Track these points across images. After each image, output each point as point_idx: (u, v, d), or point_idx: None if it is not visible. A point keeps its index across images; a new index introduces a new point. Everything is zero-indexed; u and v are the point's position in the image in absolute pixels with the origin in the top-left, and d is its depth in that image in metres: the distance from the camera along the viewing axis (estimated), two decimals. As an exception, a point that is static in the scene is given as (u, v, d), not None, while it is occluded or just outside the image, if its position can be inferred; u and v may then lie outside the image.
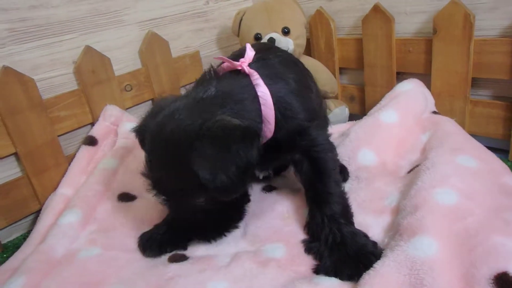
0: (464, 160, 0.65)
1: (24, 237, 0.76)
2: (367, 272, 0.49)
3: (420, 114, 0.84)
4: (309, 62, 0.96)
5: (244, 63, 0.58)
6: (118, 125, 0.89)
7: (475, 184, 0.60)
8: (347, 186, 0.71)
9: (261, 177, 0.72)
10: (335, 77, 1.04)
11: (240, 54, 0.62)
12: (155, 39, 0.96)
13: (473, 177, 0.61)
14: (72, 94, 0.85)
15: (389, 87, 0.93)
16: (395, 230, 0.56)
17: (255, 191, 0.75)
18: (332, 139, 0.68)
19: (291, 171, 0.72)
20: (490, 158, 0.68)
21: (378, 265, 0.49)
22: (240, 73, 0.59)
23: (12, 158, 0.78)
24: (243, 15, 0.99)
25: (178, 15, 1.02)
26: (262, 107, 0.57)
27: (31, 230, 0.73)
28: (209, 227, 0.61)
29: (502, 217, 0.53)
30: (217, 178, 0.48)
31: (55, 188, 0.80)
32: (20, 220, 0.80)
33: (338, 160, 0.70)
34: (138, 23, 0.95)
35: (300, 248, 0.59)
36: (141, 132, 0.59)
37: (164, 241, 0.62)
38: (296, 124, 0.59)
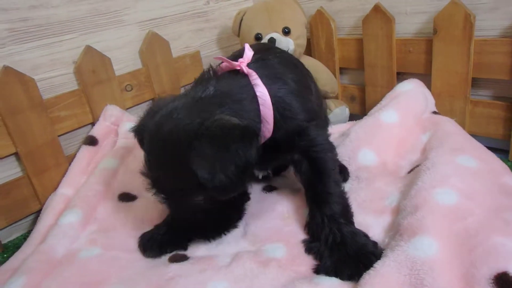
0: (464, 160, 0.65)
1: (25, 237, 0.76)
2: (368, 272, 0.49)
3: (420, 114, 0.84)
4: (309, 62, 0.96)
5: (242, 63, 0.58)
6: (119, 125, 0.89)
7: (475, 184, 0.60)
8: (348, 186, 0.71)
9: (260, 177, 0.72)
10: (335, 77, 1.04)
11: (240, 54, 0.62)
12: (155, 39, 0.96)
13: (473, 177, 0.61)
14: (72, 94, 0.85)
15: (390, 87, 0.93)
16: (395, 230, 0.56)
17: (256, 191, 0.75)
18: (332, 139, 0.68)
19: (291, 171, 0.72)
20: (490, 158, 0.68)
21: (378, 265, 0.49)
22: (239, 73, 0.59)
23: (13, 158, 0.78)
24: (244, 15, 0.99)
25: (178, 15, 1.02)
26: (261, 107, 0.57)
27: (32, 230, 0.73)
28: (209, 227, 0.61)
29: (502, 217, 0.54)
30: (216, 177, 0.48)
31: (55, 188, 0.80)
32: (21, 220, 0.80)
33: (337, 160, 0.70)
34: (139, 23, 0.95)
35: (301, 248, 0.59)
36: (139, 131, 0.59)
37: (165, 241, 0.62)
38: (295, 125, 0.59)
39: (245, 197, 0.65)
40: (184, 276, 0.54)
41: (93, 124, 0.89)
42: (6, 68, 0.73)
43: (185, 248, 0.62)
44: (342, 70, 1.08)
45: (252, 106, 0.56)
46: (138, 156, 0.79)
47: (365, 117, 0.88)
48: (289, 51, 0.93)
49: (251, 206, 0.68)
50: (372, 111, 0.89)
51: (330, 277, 0.52)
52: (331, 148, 0.67)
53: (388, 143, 0.79)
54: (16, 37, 0.76)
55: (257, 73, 0.58)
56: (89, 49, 0.86)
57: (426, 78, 0.90)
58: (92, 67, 0.87)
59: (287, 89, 0.60)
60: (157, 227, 0.65)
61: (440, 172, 0.62)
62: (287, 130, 0.59)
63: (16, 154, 0.77)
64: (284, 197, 0.72)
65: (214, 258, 0.59)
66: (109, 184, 0.77)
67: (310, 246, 0.59)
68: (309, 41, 1.06)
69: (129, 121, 0.88)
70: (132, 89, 0.95)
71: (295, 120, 0.59)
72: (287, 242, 0.61)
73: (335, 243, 0.56)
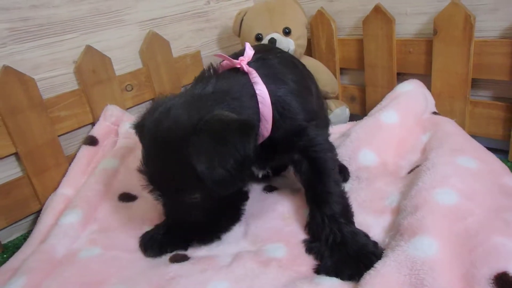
0: (464, 160, 0.65)
1: (25, 237, 0.76)
2: (368, 272, 0.49)
3: (420, 115, 0.84)
4: (310, 63, 0.96)
5: (243, 61, 0.59)
6: (119, 125, 0.89)
7: (475, 184, 0.60)
8: (348, 186, 0.71)
9: (260, 176, 0.72)
10: (335, 77, 1.05)
11: (240, 54, 0.62)
12: (156, 39, 0.96)
13: (473, 178, 0.61)
14: (72, 94, 0.85)
15: (390, 87, 0.94)
16: (395, 230, 0.56)
17: (256, 191, 0.75)
18: (332, 139, 0.68)
19: (291, 171, 0.72)
20: (490, 159, 0.69)
21: (379, 265, 0.49)
22: (239, 71, 0.59)
23: (13, 158, 0.78)
24: (244, 15, 0.99)
25: (179, 15, 1.02)
26: (260, 105, 0.57)
27: (32, 230, 0.73)
28: (207, 228, 0.61)
29: (502, 217, 0.54)
30: (215, 171, 0.48)
31: (55, 188, 0.80)
32: (21, 220, 0.80)
33: (337, 160, 0.70)
34: (139, 23, 0.95)
35: (301, 248, 0.59)
36: (140, 128, 0.59)
37: (165, 241, 0.62)
38: (294, 125, 0.59)
39: (244, 197, 0.65)
40: (185, 276, 0.54)
41: (93, 124, 0.89)
42: (6, 68, 0.73)
43: (186, 248, 0.62)
44: (342, 70, 1.08)
45: (251, 104, 0.56)
46: (139, 156, 0.78)
47: (365, 117, 0.88)
48: (289, 52, 0.93)
49: (251, 206, 0.69)
50: (373, 111, 0.89)
51: (331, 277, 0.52)
52: (331, 148, 0.67)
53: (388, 144, 0.79)
54: (17, 36, 0.76)
55: (257, 72, 0.58)
56: (89, 49, 0.85)
57: (426, 78, 0.90)
58: (93, 67, 0.87)
59: (286, 89, 0.60)
60: (157, 227, 0.65)
61: (440, 172, 0.62)
62: (286, 130, 0.59)
63: (16, 154, 0.77)
64: (284, 197, 0.72)
65: (214, 258, 0.59)
66: (110, 184, 0.77)
67: (310, 246, 0.59)
68: (309, 42, 1.06)
69: (130, 121, 0.88)
70: (132, 89, 0.95)
71: (294, 120, 0.59)
72: (288, 242, 0.61)
73: (336, 243, 0.56)
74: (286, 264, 0.56)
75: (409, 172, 0.72)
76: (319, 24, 1.03)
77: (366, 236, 0.57)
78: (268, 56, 0.64)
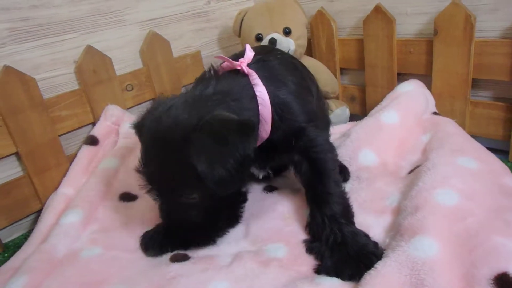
0: (464, 161, 0.65)
1: (25, 237, 0.77)
2: (369, 272, 0.49)
3: (420, 115, 0.84)
4: (310, 63, 0.96)
5: (243, 63, 0.59)
6: (119, 125, 0.89)
7: (476, 185, 0.60)
8: (348, 186, 0.71)
9: (260, 177, 0.73)
10: (336, 77, 1.05)
11: (240, 55, 0.62)
12: (156, 39, 0.96)
13: (474, 178, 0.61)
14: (73, 94, 0.85)
15: (390, 87, 0.94)
16: (396, 230, 0.56)
17: (256, 191, 0.75)
18: (333, 139, 0.68)
19: (291, 171, 0.72)
20: (491, 159, 0.69)
21: (379, 265, 0.49)
22: (239, 73, 0.59)
23: (13, 158, 0.78)
24: (245, 15, 0.99)
25: (179, 15, 1.02)
26: (260, 107, 0.57)
27: (32, 229, 0.73)
28: (203, 230, 0.61)
29: (502, 217, 0.54)
30: (215, 171, 0.48)
31: (56, 187, 0.80)
32: (21, 219, 0.80)
33: (337, 161, 0.70)
34: (139, 22, 0.95)
35: (301, 248, 0.59)
36: (140, 127, 0.59)
37: (166, 240, 0.62)
38: (294, 126, 0.59)
39: (242, 198, 0.64)
40: (186, 276, 0.54)
41: (93, 124, 0.89)
42: (7, 68, 0.73)
43: (186, 248, 0.62)
44: (342, 70, 1.08)
45: (251, 105, 0.57)
46: (139, 155, 0.79)
47: (365, 117, 0.88)
48: (289, 52, 0.93)
49: (251, 206, 0.69)
50: (373, 111, 0.89)
51: (331, 277, 0.52)
52: (331, 148, 0.67)
53: (388, 144, 0.79)
54: (17, 36, 0.76)
55: (257, 74, 0.58)
56: (90, 49, 0.86)
57: (426, 78, 0.90)
58: (93, 67, 0.87)
59: (286, 91, 0.60)
60: (158, 226, 0.65)
61: (441, 172, 0.62)
62: (286, 131, 0.59)
63: (16, 153, 0.77)
64: (284, 197, 0.72)
65: (215, 257, 0.59)
66: (110, 184, 0.77)
67: (311, 246, 0.59)
68: (309, 42, 1.06)
69: (130, 121, 0.88)
70: (132, 89, 0.95)
71: (294, 121, 0.59)
72: (288, 242, 0.61)
73: (336, 243, 0.56)
74: (287, 264, 0.56)
75: (410, 172, 0.72)
76: (319, 24, 1.03)
77: (366, 236, 0.57)
78: (269, 58, 0.64)
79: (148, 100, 1.00)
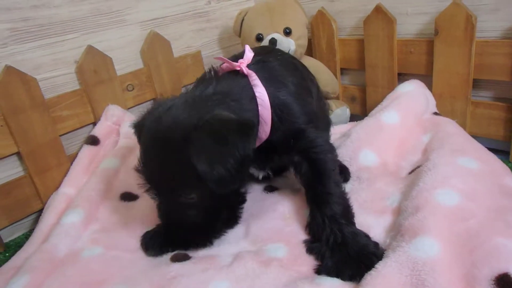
0: (465, 161, 0.65)
1: (26, 236, 0.77)
2: (369, 272, 0.49)
3: (421, 115, 0.84)
4: (310, 63, 0.96)
5: (242, 64, 0.59)
6: (120, 124, 0.89)
7: (476, 185, 0.60)
8: (349, 187, 0.71)
9: (260, 177, 0.73)
10: (336, 77, 1.05)
11: (240, 56, 0.62)
12: (156, 39, 0.96)
13: (474, 178, 0.61)
14: (74, 94, 0.85)
15: (391, 88, 0.94)
16: (396, 231, 0.56)
17: (256, 191, 0.75)
18: (333, 139, 0.68)
19: (291, 172, 0.72)
20: (491, 160, 0.69)
21: (380, 265, 0.49)
22: (239, 73, 0.59)
23: (14, 158, 0.78)
24: (245, 15, 0.99)
25: (179, 15, 1.02)
26: (259, 108, 0.57)
27: (33, 229, 0.73)
28: (202, 231, 0.60)
29: (503, 218, 0.54)
30: (215, 171, 0.48)
31: (57, 187, 0.81)
32: (22, 219, 0.80)
33: (338, 161, 0.70)
34: (140, 23, 0.95)
35: (302, 248, 0.59)
36: (139, 127, 0.59)
37: (166, 240, 0.62)
38: (294, 127, 0.60)
39: (241, 199, 0.64)
40: (186, 276, 0.54)
41: (94, 123, 0.89)
42: (8, 68, 0.74)
43: (186, 248, 0.62)
44: (343, 70, 1.08)
45: (251, 106, 0.57)
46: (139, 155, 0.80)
47: (366, 117, 0.88)
48: (290, 52, 0.93)
49: (252, 206, 0.69)
50: (373, 112, 0.89)
51: (332, 278, 0.52)
52: (331, 149, 0.67)
53: (389, 144, 0.79)
54: (18, 36, 0.76)
55: (257, 75, 0.58)
56: (90, 49, 0.86)
57: (427, 79, 0.90)
58: (94, 67, 0.87)
59: (286, 92, 0.60)
60: (158, 226, 0.65)
61: (441, 173, 0.62)
62: (285, 132, 0.59)
63: (18, 153, 0.77)
64: (285, 197, 0.72)
65: (215, 257, 0.59)
66: (111, 184, 0.77)
67: (311, 247, 0.59)
68: (310, 42, 1.06)
69: (131, 121, 0.88)
70: (133, 89, 0.95)
71: (294, 123, 0.59)
72: (288, 242, 0.61)
73: (336, 243, 0.56)
74: (287, 264, 0.56)
75: (410, 173, 0.72)
76: (319, 24, 1.03)
77: (366, 236, 0.57)
78: (268, 59, 0.64)
79: (149, 100, 1.00)
